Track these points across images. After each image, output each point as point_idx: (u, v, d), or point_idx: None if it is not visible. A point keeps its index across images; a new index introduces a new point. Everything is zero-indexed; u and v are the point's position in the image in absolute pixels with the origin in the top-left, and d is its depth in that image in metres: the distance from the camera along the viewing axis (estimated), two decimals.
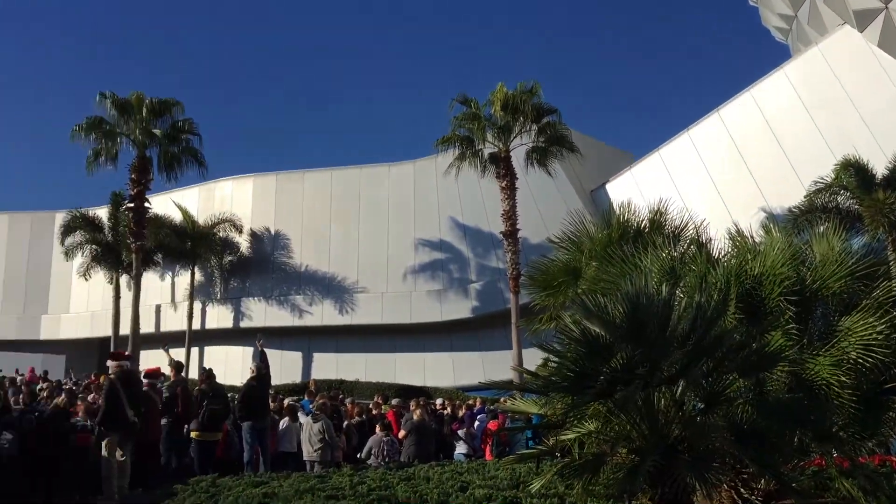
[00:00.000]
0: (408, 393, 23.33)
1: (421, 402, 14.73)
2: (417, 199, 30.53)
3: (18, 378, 24.38)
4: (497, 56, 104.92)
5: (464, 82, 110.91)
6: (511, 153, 26.00)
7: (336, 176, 31.88)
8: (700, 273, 6.59)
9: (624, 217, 8.28)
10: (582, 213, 10.61)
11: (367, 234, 30.87)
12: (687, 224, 8.02)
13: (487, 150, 26.22)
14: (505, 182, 25.88)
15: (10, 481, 12.37)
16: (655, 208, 8.23)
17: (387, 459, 12.00)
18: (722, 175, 27.10)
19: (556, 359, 5.53)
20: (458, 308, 29.01)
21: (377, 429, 12.80)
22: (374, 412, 15.67)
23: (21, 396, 17.07)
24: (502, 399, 18.31)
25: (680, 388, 5.77)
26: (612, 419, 5.98)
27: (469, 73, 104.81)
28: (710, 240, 7.47)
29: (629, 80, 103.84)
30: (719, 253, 7.07)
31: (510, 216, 25.72)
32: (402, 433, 12.79)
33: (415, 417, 13.18)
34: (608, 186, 29.59)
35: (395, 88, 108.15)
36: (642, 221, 8.25)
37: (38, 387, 20.20)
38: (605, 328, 5.58)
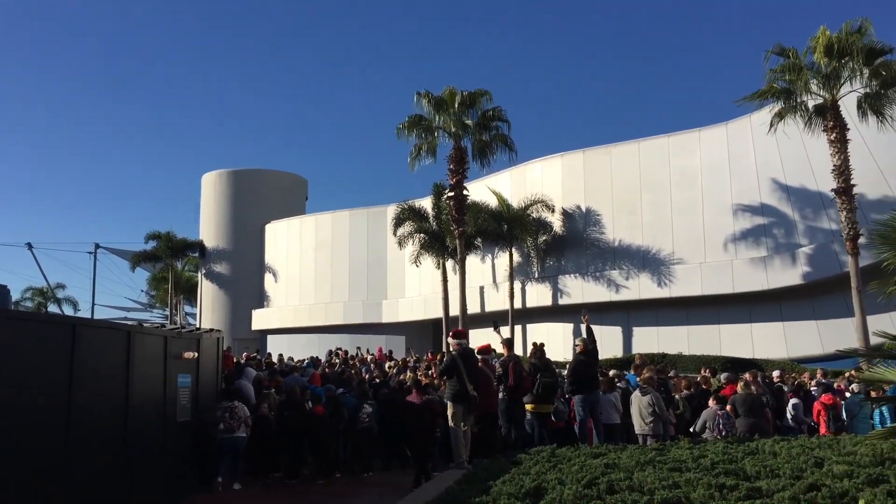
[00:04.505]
0: (735, 365, 22.37)
1: (751, 375, 14.03)
2: (733, 162, 28.89)
3: (368, 357, 27.38)
4: (808, 2, 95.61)
5: (777, 34, 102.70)
6: (839, 102, 23.59)
7: (643, 147, 31.23)
8: None
9: None
10: None
11: (681, 203, 29.90)
12: None
13: (812, 101, 24.03)
14: (834, 135, 23.52)
15: (370, 450, 13.98)
16: None
17: (723, 433, 11.61)
18: None
19: None
20: (787, 275, 27.01)
21: (711, 402, 12.41)
22: (703, 386, 15.21)
23: (373, 373, 19.20)
24: (854, 369, 16.91)
25: None
26: None
27: (779, 23, 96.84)
28: None
29: None
30: None
31: (842, 171, 23.34)
32: (728, 406, 12.23)
33: (739, 389, 12.60)
34: None
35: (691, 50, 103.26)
36: None
37: (388, 364, 22.55)
38: None
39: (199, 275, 49.67)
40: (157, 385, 10.44)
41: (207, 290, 47.89)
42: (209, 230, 47.98)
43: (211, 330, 13.93)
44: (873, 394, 12.30)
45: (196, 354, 11.88)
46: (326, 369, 19.57)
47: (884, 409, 11.99)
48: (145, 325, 12.05)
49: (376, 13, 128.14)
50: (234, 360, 19.37)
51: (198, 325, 43.31)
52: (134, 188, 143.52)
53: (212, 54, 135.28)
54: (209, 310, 47.30)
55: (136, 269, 51.54)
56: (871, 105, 23.24)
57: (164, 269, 50.82)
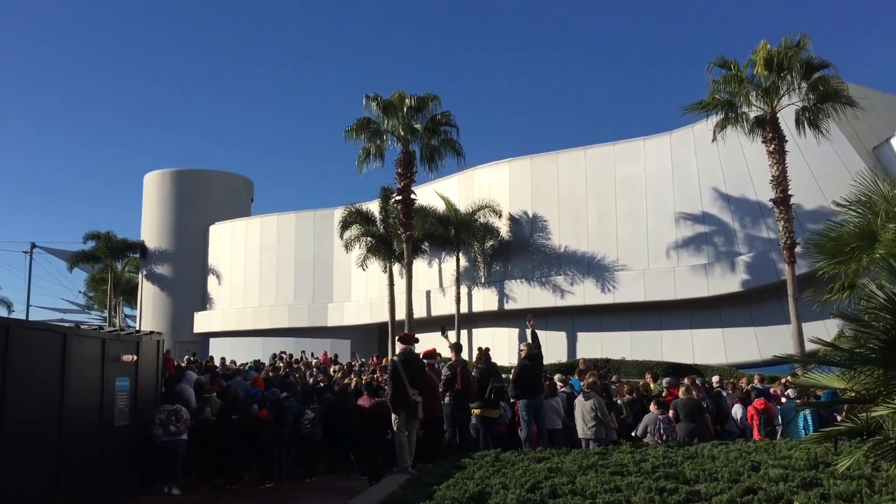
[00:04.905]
0: (676, 371, 22.76)
1: (689, 380, 14.30)
2: (676, 171, 29.46)
3: (313, 360, 27.17)
4: (751, 15, 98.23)
5: (718, 47, 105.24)
6: (778, 114, 24.24)
7: (590, 154, 31.63)
8: None
9: None
10: (865, 173, 9.63)
11: (625, 210, 30.36)
12: None
13: (752, 113, 24.64)
14: (773, 146, 24.16)
15: (313, 455, 13.85)
16: None
17: (664, 437, 11.79)
18: None
19: (862, 329, 5.11)
20: (726, 282, 27.63)
21: (652, 406, 12.59)
22: (644, 392, 15.44)
23: (317, 377, 19.04)
24: (790, 375, 17.34)
25: None
26: None
27: (720, 37, 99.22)
28: None
29: None
30: None
31: (780, 182, 23.98)
32: (670, 411, 12.44)
33: (680, 395, 12.81)
34: (895, 141, 26.48)
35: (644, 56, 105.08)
36: None
37: (332, 369, 22.39)
38: None
39: (140, 276, 48.64)
40: (94, 388, 10.21)
41: (148, 292, 46.91)
42: (151, 231, 47.03)
43: (151, 332, 13.66)
44: (799, 401, 12.63)
45: (135, 357, 11.63)
46: (270, 373, 19.33)
47: (808, 414, 12.31)
48: (83, 327, 11.77)
49: (324, 15, 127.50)
50: (175, 364, 19.01)
51: (137, 328, 42.40)
52: (73, 186, 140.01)
53: (157, 54, 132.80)
54: (150, 312, 46.33)
55: (73, 270, 50.20)
56: (809, 118, 23.91)
57: (104, 269, 49.62)
